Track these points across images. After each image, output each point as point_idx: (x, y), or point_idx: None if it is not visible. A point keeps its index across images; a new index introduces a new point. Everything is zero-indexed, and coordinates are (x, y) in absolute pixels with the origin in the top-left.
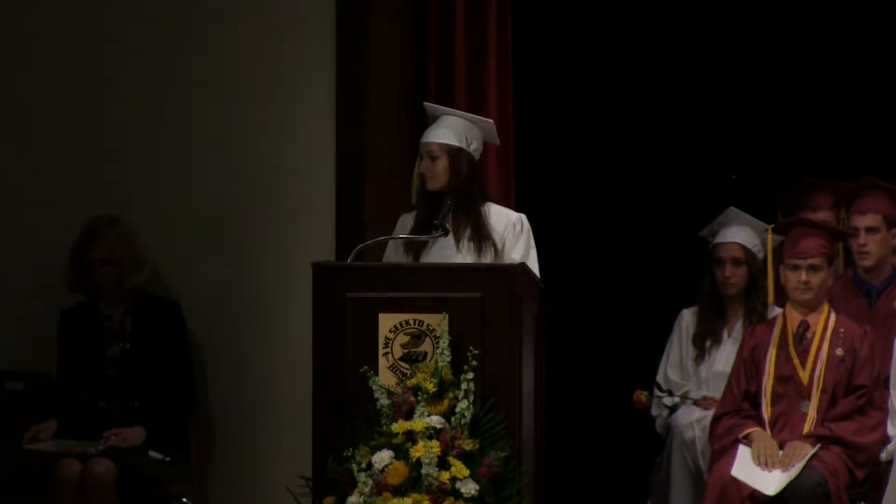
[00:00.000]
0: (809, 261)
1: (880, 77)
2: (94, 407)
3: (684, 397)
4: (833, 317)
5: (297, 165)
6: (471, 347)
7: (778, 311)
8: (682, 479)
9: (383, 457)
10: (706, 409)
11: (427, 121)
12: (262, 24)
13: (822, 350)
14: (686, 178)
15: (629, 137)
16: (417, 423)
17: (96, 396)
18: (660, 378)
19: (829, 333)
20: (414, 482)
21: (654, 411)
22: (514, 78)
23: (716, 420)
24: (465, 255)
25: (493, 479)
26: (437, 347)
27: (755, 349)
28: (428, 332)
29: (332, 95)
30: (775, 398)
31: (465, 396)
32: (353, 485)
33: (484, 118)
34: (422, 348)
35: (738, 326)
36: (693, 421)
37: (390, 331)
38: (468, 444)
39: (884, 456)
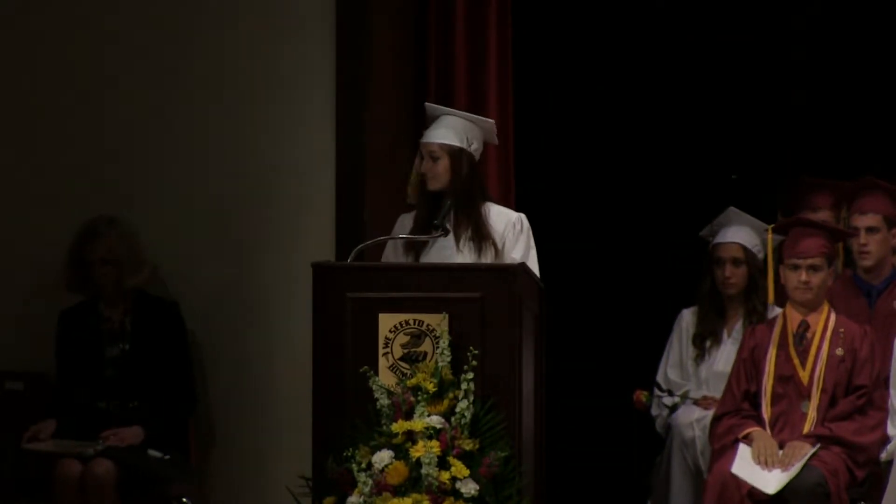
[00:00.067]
0: (809, 261)
1: (880, 77)
2: (94, 407)
3: (684, 397)
4: (833, 317)
5: (297, 165)
6: (471, 347)
7: (778, 311)
8: (682, 478)
9: (383, 457)
10: (706, 408)
11: (427, 121)
12: (262, 24)
13: (822, 350)
14: (686, 178)
15: (629, 137)
16: (417, 423)
17: (96, 397)
18: (660, 378)
19: (829, 333)
20: (414, 482)
21: (654, 411)
22: (514, 78)
23: (716, 420)
24: (465, 255)
25: (493, 479)
26: (437, 347)
27: (755, 349)
28: (428, 332)
29: (332, 95)
30: (775, 398)
31: (465, 396)
32: (353, 485)
33: (484, 118)
34: (422, 348)
35: (738, 326)
36: (693, 421)
37: (390, 331)
38: (468, 444)
39: (884, 456)
